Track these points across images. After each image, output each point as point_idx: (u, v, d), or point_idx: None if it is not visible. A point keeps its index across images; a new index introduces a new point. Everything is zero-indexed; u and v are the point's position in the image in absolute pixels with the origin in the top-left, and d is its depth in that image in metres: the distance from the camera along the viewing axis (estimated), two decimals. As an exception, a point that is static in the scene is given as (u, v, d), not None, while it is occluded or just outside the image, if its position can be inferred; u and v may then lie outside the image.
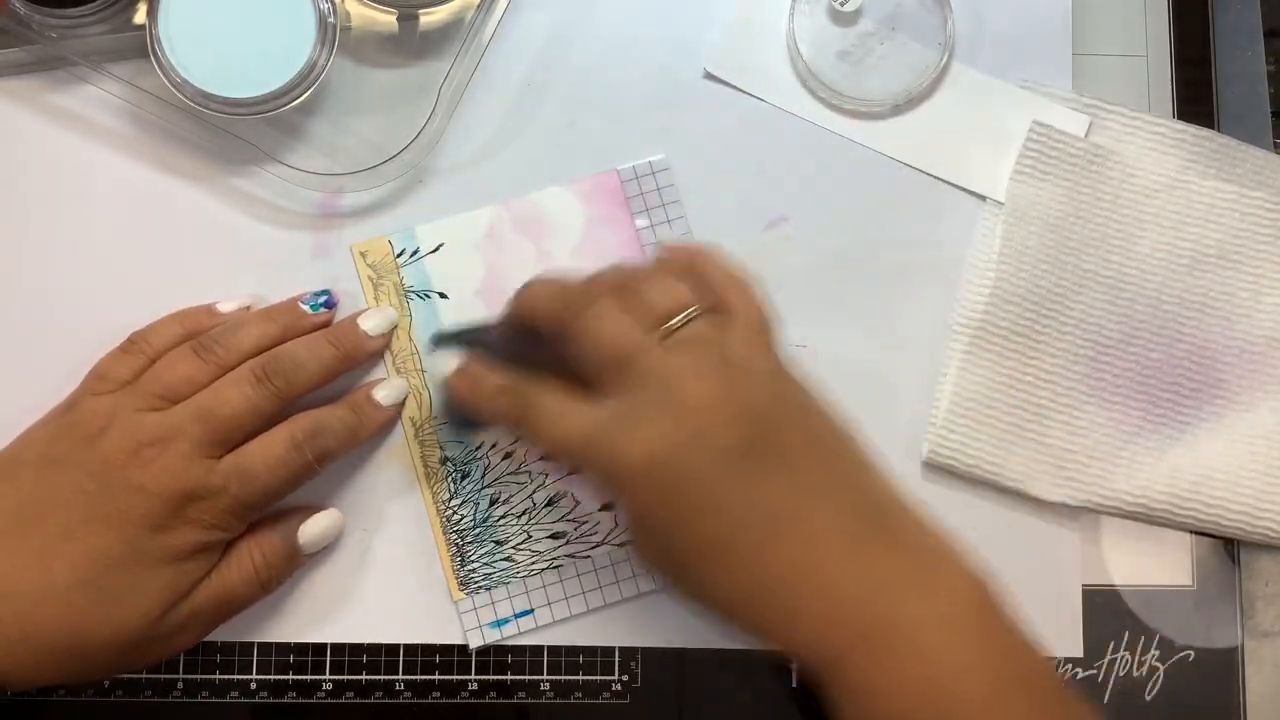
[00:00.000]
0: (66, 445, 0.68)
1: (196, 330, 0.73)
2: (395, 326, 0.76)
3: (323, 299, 0.75)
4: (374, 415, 0.74)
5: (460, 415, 0.73)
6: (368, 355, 0.75)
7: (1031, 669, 0.61)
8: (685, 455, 0.60)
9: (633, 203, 0.79)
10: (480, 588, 0.75)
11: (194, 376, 0.69)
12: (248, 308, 0.75)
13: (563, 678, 0.75)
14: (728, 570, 0.61)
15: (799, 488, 0.61)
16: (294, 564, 0.72)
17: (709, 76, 0.81)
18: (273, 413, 0.70)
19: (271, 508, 0.72)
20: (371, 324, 0.75)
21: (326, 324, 0.75)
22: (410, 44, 0.79)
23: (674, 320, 0.64)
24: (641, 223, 0.79)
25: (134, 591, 0.66)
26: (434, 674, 0.75)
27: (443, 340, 0.74)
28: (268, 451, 0.69)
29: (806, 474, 0.62)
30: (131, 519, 0.66)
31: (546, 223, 0.78)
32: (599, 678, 0.75)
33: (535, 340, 0.68)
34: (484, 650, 0.75)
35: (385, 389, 0.74)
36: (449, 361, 0.72)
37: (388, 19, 0.78)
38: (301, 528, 0.72)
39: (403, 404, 0.75)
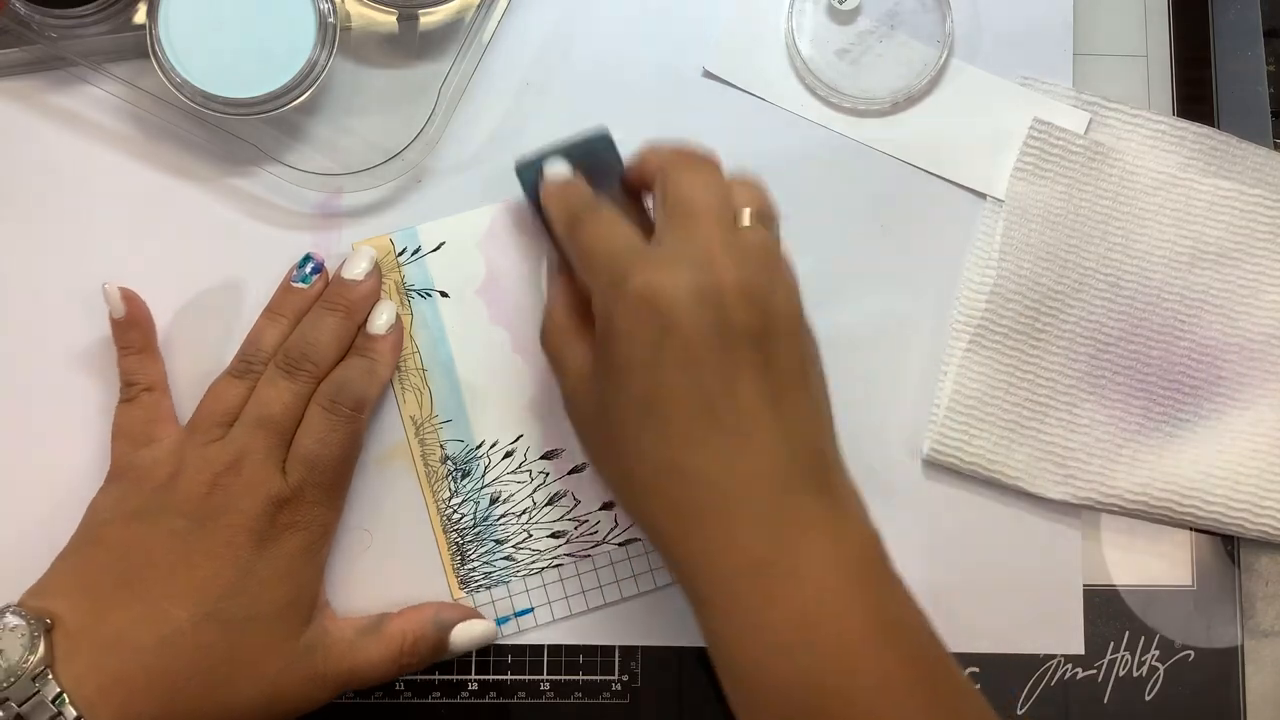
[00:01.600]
0: (141, 498, 0.69)
1: (145, 346, 0.75)
2: (375, 259, 0.76)
3: (309, 268, 0.75)
4: (380, 346, 0.74)
5: (531, 183, 0.74)
6: (366, 300, 0.75)
7: (910, 620, 0.63)
8: (689, 305, 0.62)
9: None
10: (480, 586, 0.75)
11: (240, 398, 0.72)
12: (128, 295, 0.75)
13: (563, 678, 0.75)
14: (657, 437, 0.63)
15: (764, 403, 0.62)
16: (437, 657, 0.73)
17: (708, 75, 0.81)
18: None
19: (352, 478, 0.74)
20: (354, 270, 0.75)
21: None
22: (410, 44, 0.79)
23: (745, 218, 0.66)
24: (643, 221, 0.79)
25: (256, 612, 0.67)
26: (434, 674, 0.75)
27: (576, 151, 0.74)
28: (312, 429, 0.70)
29: (779, 397, 0.63)
30: (233, 542, 0.67)
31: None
32: (599, 678, 0.75)
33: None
34: (484, 650, 0.75)
35: (376, 318, 0.75)
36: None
37: (388, 19, 0.78)
38: (457, 629, 0.73)
39: (398, 321, 0.76)
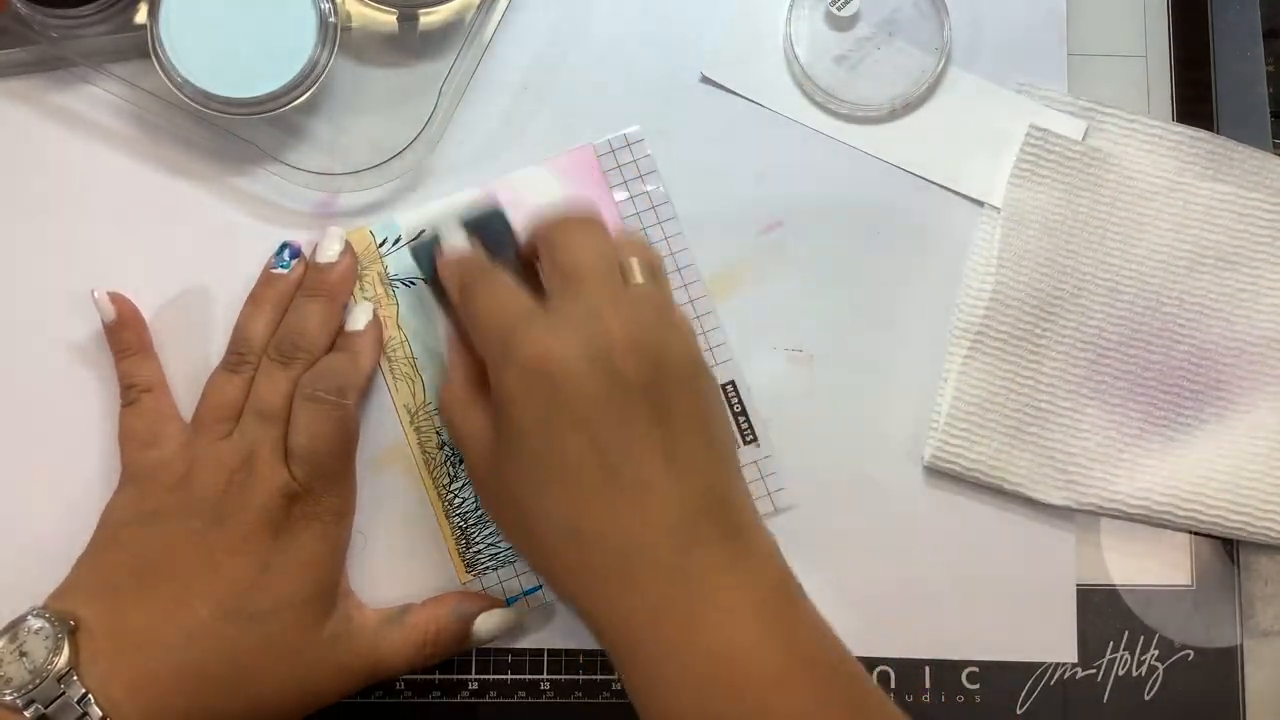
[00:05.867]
0: (157, 500, 0.71)
1: (140, 347, 0.76)
2: (344, 238, 0.77)
3: (287, 254, 0.77)
4: (360, 343, 0.76)
5: (428, 262, 0.74)
6: (344, 281, 0.77)
7: (825, 653, 0.63)
8: (579, 366, 0.63)
9: (610, 176, 0.81)
10: (487, 568, 0.77)
11: (239, 391, 0.74)
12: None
13: (563, 677, 0.77)
14: (557, 501, 0.64)
15: (660, 455, 0.63)
16: (461, 647, 0.75)
17: (706, 80, 0.83)
18: None
19: (354, 462, 0.75)
20: (326, 254, 0.77)
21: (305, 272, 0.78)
22: (410, 44, 0.81)
23: (633, 271, 0.68)
24: (620, 195, 0.81)
25: (281, 604, 0.69)
26: (434, 673, 0.76)
27: (470, 225, 0.74)
28: (299, 425, 0.72)
29: (676, 446, 0.64)
30: (252, 537, 0.69)
31: (526, 202, 0.80)
32: (599, 677, 0.77)
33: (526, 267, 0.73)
34: (484, 650, 0.77)
35: (354, 317, 0.77)
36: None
37: (388, 19, 0.80)
38: (480, 618, 0.75)
39: (376, 318, 0.77)
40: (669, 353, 0.65)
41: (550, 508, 0.64)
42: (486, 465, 0.68)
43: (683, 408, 0.65)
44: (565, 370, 0.63)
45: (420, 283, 0.78)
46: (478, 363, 0.70)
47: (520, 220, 0.74)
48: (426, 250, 0.74)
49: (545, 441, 0.63)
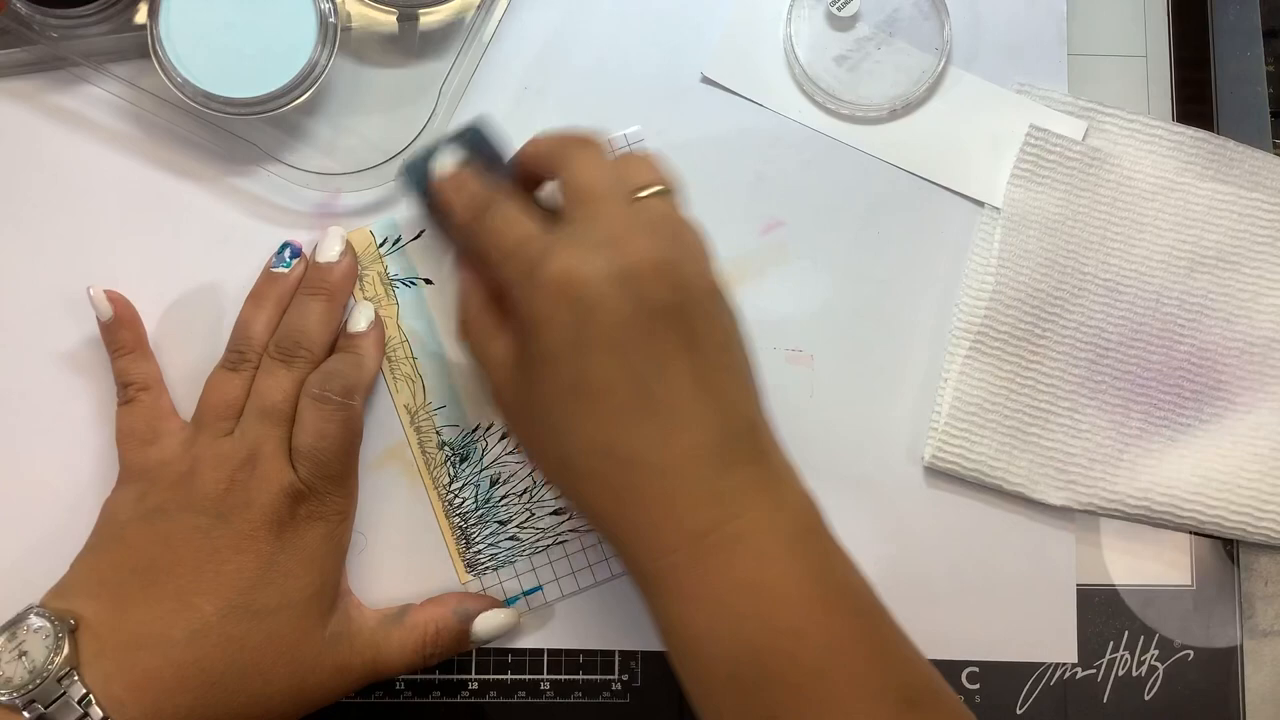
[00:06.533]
0: (160, 496, 0.71)
1: (136, 345, 0.76)
2: (345, 238, 0.78)
3: (288, 253, 0.77)
4: (363, 344, 0.76)
5: (420, 183, 0.74)
6: (345, 281, 0.77)
7: (853, 585, 0.64)
8: (607, 288, 0.62)
9: (610, 176, 0.81)
10: (487, 569, 0.77)
11: (240, 390, 0.74)
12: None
13: (563, 677, 0.77)
14: (589, 421, 0.63)
15: (692, 379, 0.63)
16: (460, 648, 0.75)
17: (706, 81, 0.83)
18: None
19: (358, 462, 0.76)
20: (326, 254, 0.77)
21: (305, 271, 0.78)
22: (410, 44, 0.81)
23: (645, 190, 0.67)
24: (620, 194, 0.81)
25: (283, 602, 0.69)
26: (434, 673, 0.77)
27: (464, 137, 0.74)
28: (306, 425, 0.72)
29: (703, 367, 0.64)
30: (255, 536, 0.69)
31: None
32: (599, 677, 0.77)
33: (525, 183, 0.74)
34: (484, 650, 0.77)
35: (356, 318, 0.77)
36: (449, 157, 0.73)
37: (388, 19, 0.80)
38: (479, 619, 0.75)
39: (378, 319, 0.78)
40: (689, 274, 0.65)
41: (582, 429, 0.63)
42: (513, 389, 0.67)
43: (708, 331, 0.65)
44: (593, 291, 0.62)
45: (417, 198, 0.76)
46: (490, 286, 0.70)
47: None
48: (418, 173, 0.73)
49: (576, 363, 0.63)
